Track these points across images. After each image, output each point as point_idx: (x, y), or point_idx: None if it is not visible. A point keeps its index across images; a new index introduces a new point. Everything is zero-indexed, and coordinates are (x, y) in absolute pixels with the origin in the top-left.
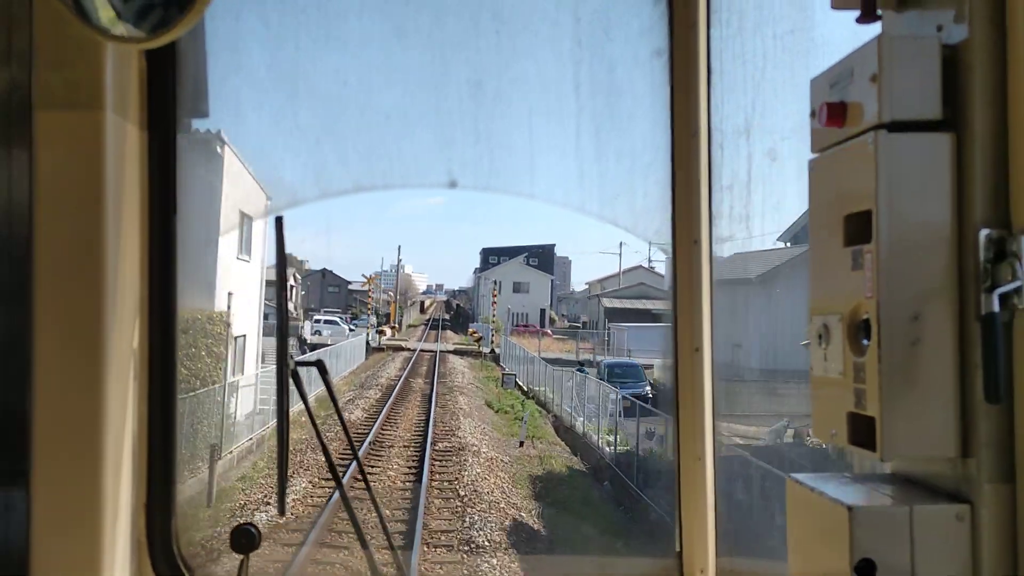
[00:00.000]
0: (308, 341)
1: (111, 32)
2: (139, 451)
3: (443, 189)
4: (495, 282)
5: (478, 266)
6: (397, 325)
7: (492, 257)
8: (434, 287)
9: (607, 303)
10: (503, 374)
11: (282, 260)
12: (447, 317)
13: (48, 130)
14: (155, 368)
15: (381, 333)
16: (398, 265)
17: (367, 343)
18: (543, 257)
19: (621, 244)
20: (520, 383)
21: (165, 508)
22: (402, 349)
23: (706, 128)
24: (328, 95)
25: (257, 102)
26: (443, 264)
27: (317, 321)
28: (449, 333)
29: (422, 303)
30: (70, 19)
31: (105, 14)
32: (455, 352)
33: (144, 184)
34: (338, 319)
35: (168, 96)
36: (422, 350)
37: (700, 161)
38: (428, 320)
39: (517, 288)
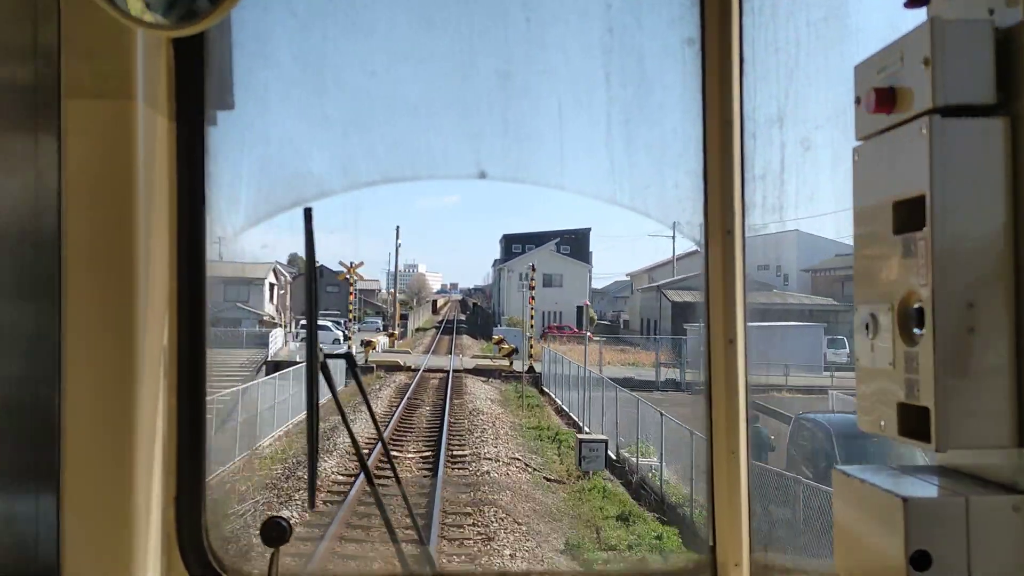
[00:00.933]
0: (269, 359)
1: (140, 19)
2: (168, 445)
3: (463, 184)
4: (530, 267)
5: (498, 257)
6: (396, 332)
7: (515, 245)
8: (448, 286)
9: (674, 296)
10: (582, 440)
11: (311, 252)
12: (463, 318)
13: (77, 120)
14: (184, 361)
15: (368, 346)
16: (396, 254)
17: (348, 364)
18: (577, 243)
19: (675, 225)
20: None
21: (194, 502)
22: (399, 368)
23: (739, 117)
24: (355, 86)
25: (284, 93)
26: (458, 263)
27: (302, 328)
28: (466, 339)
29: (434, 302)
30: (99, 6)
31: (133, 2)
32: (475, 372)
33: (173, 175)
34: (331, 324)
35: (196, 86)
36: (427, 370)
37: (733, 150)
38: (441, 322)
39: (548, 281)
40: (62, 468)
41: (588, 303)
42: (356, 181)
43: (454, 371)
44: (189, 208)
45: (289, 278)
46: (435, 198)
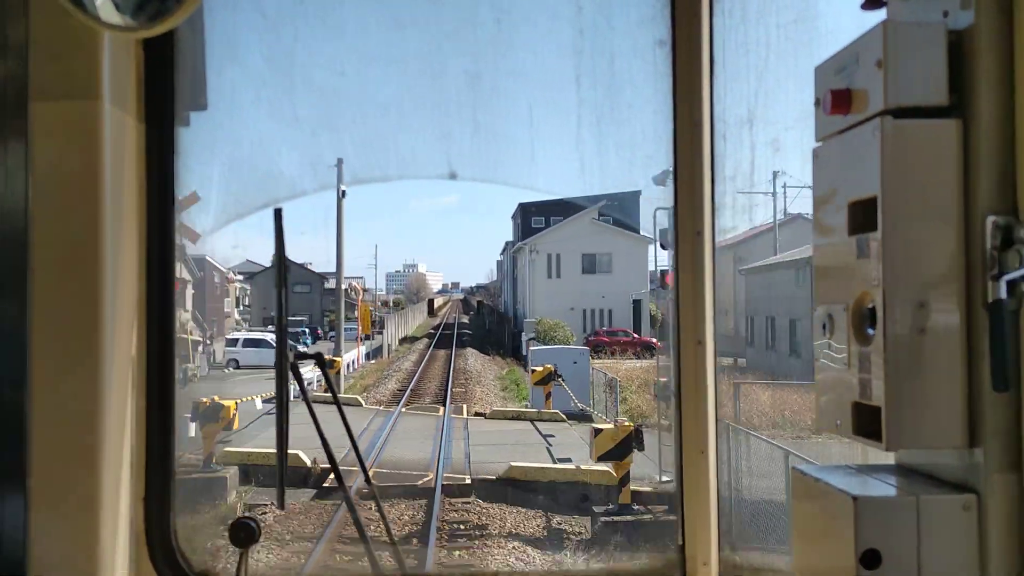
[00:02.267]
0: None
1: (108, 21)
2: (137, 444)
3: (460, 184)
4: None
5: (511, 240)
6: (340, 357)
7: (536, 218)
8: (449, 286)
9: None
10: None
11: (281, 253)
12: (466, 321)
13: (45, 121)
14: (153, 361)
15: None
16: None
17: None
18: (624, 209)
19: (775, 175)
20: None
21: (163, 501)
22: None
23: (708, 118)
24: (325, 86)
25: (255, 94)
26: (459, 263)
27: (232, 343)
28: (472, 358)
29: (430, 302)
30: (67, 8)
31: (102, 3)
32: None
33: (142, 176)
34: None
35: (166, 87)
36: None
37: (703, 152)
38: (438, 327)
39: (590, 266)
40: (29, 468)
41: (649, 295)
42: (326, 182)
43: (448, 486)
44: (158, 209)
45: (230, 274)
46: (434, 199)
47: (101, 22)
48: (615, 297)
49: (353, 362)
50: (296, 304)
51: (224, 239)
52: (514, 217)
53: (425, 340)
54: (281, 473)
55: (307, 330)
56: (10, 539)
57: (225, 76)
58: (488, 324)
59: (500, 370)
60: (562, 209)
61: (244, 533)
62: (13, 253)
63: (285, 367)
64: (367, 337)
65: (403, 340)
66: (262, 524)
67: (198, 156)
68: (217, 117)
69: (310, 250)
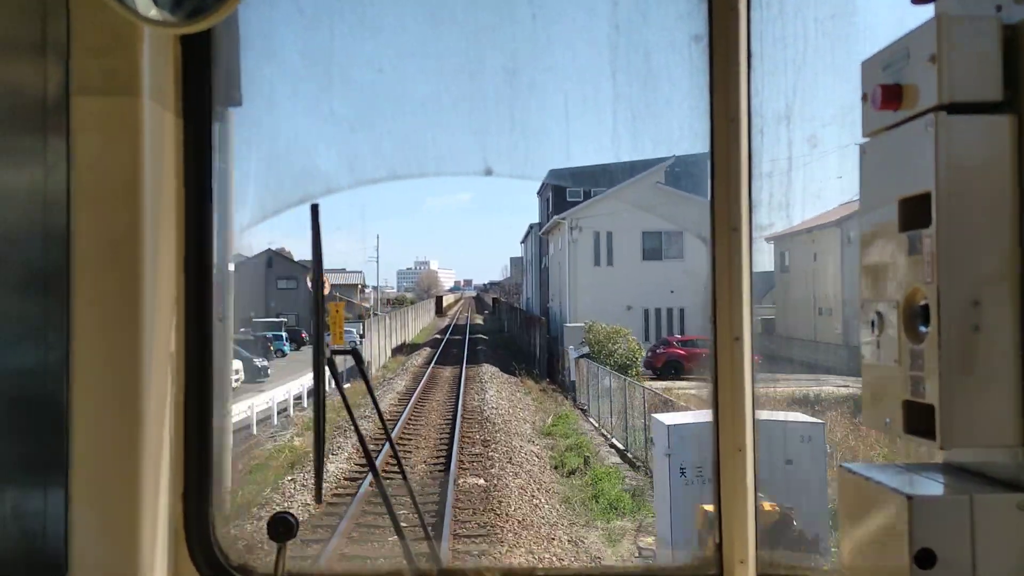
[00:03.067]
0: None
1: (148, 17)
2: (175, 440)
3: (474, 182)
4: None
5: (535, 223)
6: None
7: (573, 191)
8: (462, 283)
9: None
10: None
11: (318, 248)
12: (480, 321)
13: (85, 116)
14: (191, 356)
15: None
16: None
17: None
18: (694, 177)
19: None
20: None
21: (202, 497)
22: None
23: (746, 114)
24: (362, 83)
25: (291, 90)
26: (471, 261)
27: None
28: (491, 384)
29: (438, 299)
30: (107, 4)
31: (141, 0)
32: None
33: (180, 171)
34: (241, 347)
35: (204, 83)
36: None
37: (740, 147)
38: (446, 330)
39: (653, 249)
40: (70, 463)
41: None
42: (363, 178)
43: None
44: (196, 204)
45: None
46: (448, 196)
47: (141, 17)
48: (688, 291)
49: (300, 397)
50: (281, 302)
51: (260, 235)
52: (541, 192)
53: (427, 351)
54: (319, 467)
55: (285, 334)
56: (52, 533)
57: (262, 72)
58: (507, 326)
59: (537, 406)
60: (608, 177)
61: (282, 528)
62: (54, 247)
63: (322, 362)
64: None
65: (398, 349)
66: (300, 519)
67: (235, 152)
68: (254, 113)
69: (345, 247)
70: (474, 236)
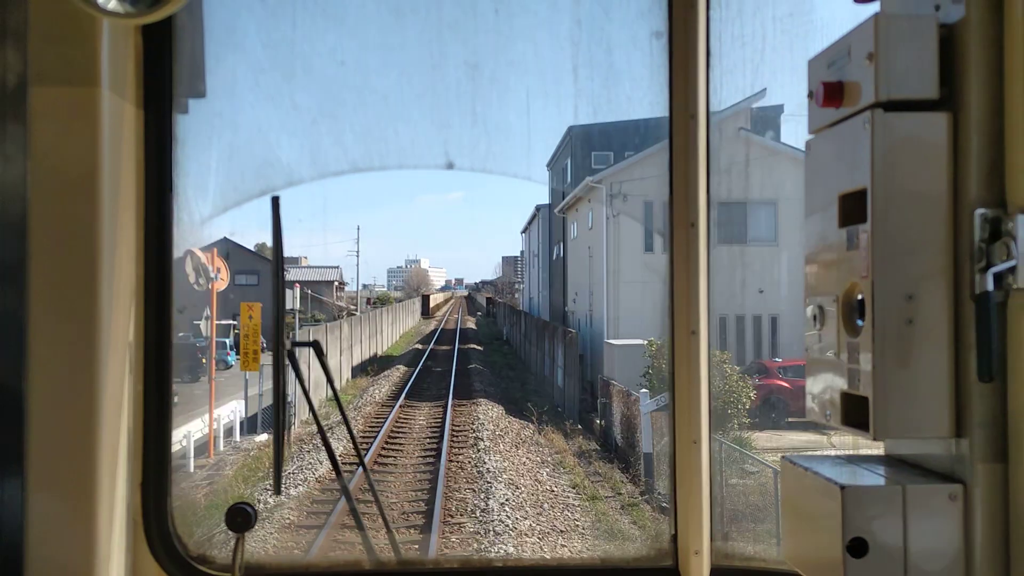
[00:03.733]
0: None
1: (107, 8)
2: (134, 430)
3: (467, 180)
4: None
5: (542, 204)
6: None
7: (600, 155)
8: (453, 282)
9: None
10: None
11: (278, 242)
12: (472, 326)
13: (43, 106)
14: (150, 347)
15: None
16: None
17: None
18: (771, 118)
19: None
20: None
21: (160, 487)
22: None
23: (704, 111)
24: (325, 75)
25: (253, 81)
26: (463, 260)
27: None
28: (495, 446)
29: (424, 299)
30: None
31: None
32: None
33: (140, 163)
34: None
35: (165, 74)
36: None
37: (698, 144)
38: (431, 337)
39: (729, 228)
40: (26, 453)
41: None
42: (324, 170)
43: None
44: (156, 195)
45: None
46: (439, 195)
47: (100, 8)
48: (787, 290)
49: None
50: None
51: (221, 227)
52: (553, 163)
53: (400, 370)
54: (277, 459)
55: (229, 341)
56: (8, 524)
57: (224, 63)
58: (507, 333)
59: (587, 508)
60: (644, 133)
61: (240, 518)
62: (11, 238)
63: (282, 355)
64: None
65: (364, 367)
66: (258, 509)
67: (196, 143)
68: (216, 104)
69: (307, 241)
70: (466, 235)
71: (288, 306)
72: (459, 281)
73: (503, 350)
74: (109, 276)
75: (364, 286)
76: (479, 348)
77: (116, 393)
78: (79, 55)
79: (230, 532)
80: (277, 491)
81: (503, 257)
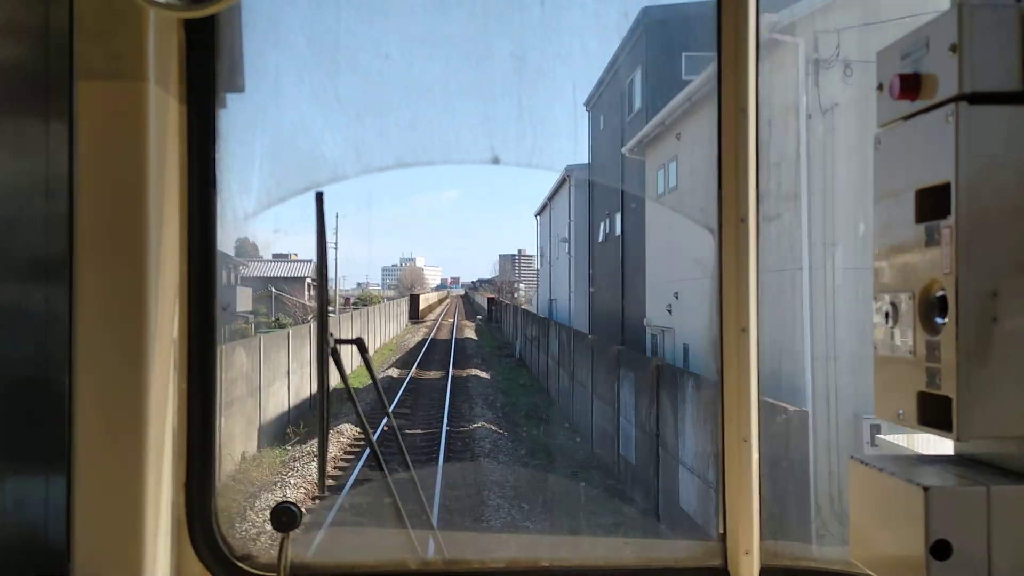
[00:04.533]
0: None
1: (152, 0)
2: (179, 429)
3: (463, 178)
4: None
5: (573, 165)
6: None
7: (690, 56)
8: (449, 281)
9: None
10: None
11: (322, 236)
12: (472, 334)
13: (88, 101)
14: (195, 345)
15: None
16: None
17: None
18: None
19: None
20: None
21: (204, 487)
22: None
23: (754, 105)
24: (369, 68)
25: (296, 76)
26: (459, 259)
27: None
28: None
29: (413, 299)
30: None
31: None
32: None
33: (184, 158)
34: None
35: (208, 68)
36: None
37: (748, 138)
38: (417, 352)
39: None
40: (72, 452)
41: None
42: (369, 165)
43: None
44: (199, 191)
45: None
46: (434, 194)
47: (146, 1)
48: None
49: None
50: None
51: (265, 223)
52: (598, 95)
53: (346, 437)
54: (322, 457)
55: None
56: (53, 523)
57: (267, 58)
58: (520, 347)
59: None
60: None
61: (286, 517)
62: (57, 234)
63: (326, 352)
64: None
65: (285, 425)
66: (303, 508)
67: (240, 138)
68: (259, 99)
69: (304, 240)
70: (463, 233)
71: (244, 307)
72: (455, 280)
73: (520, 380)
74: (154, 273)
75: (358, 284)
76: (483, 375)
77: (161, 391)
78: (124, 49)
79: (275, 532)
80: (321, 490)
81: (500, 255)
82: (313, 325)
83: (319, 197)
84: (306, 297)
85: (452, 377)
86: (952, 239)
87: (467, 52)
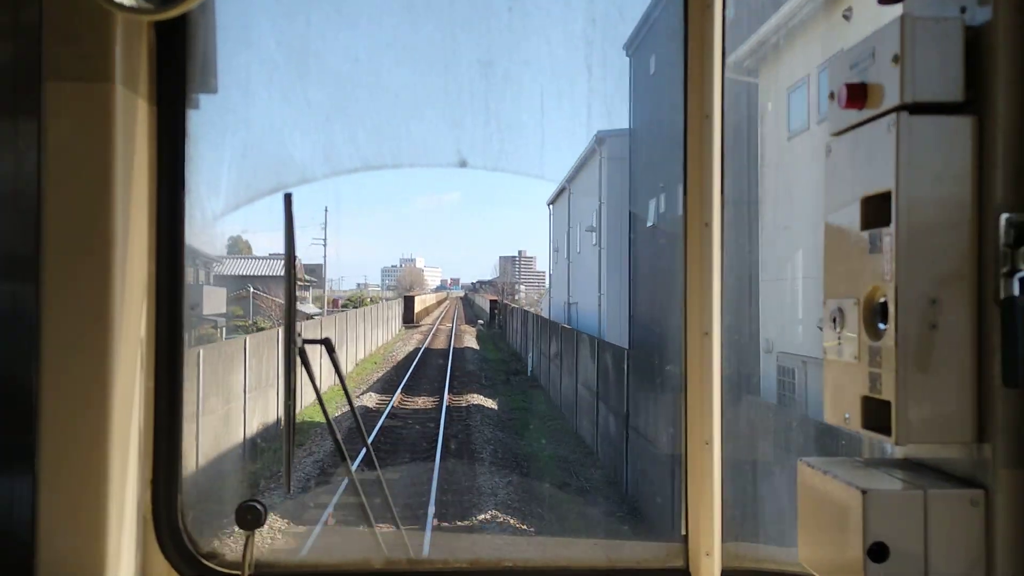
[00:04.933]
0: None
1: (121, 3)
2: (145, 428)
3: (463, 181)
4: None
5: (603, 131)
6: None
7: None
8: (448, 282)
9: None
10: None
11: (290, 238)
12: (474, 343)
13: (57, 101)
14: (162, 344)
15: None
16: None
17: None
18: None
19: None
20: None
21: (170, 484)
22: None
23: (719, 111)
24: (338, 72)
25: (267, 78)
26: (459, 260)
27: None
28: None
29: (407, 301)
30: None
31: None
32: None
33: (153, 159)
34: None
35: (178, 70)
36: None
37: (712, 144)
38: (407, 367)
39: None
40: (38, 450)
41: None
42: (338, 168)
43: None
44: (169, 192)
45: None
46: (435, 196)
47: (114, 3)
48: None
49: None
50: None
51: (234, 224)
52: (632, 43)
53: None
54: (288, 457)
55: None
56: (19, 521)
57: (238, 60)
58: (534, 363)
59: None
60: None
61: (251, 516)
62: (24, 234)
63: (293, 352)
64: None
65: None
66: (268, 507)
67: (209, 139)
68: (229, 101)
69: (331, 238)
70: (462, 235)
71: (215, 309)
72: (455, 281)
73: (537, 409)
74: (121, 273)
75: (357, 285)
76: (488, 404)
77: (127, 390)
78: (93, 51)
79: (239, 530)
80: (288, 490)
81: (500, 257)
82: (320, 320)
83: (287, 198)
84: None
85: (447, 409)
86: (893, 247)
87: (435, 58)
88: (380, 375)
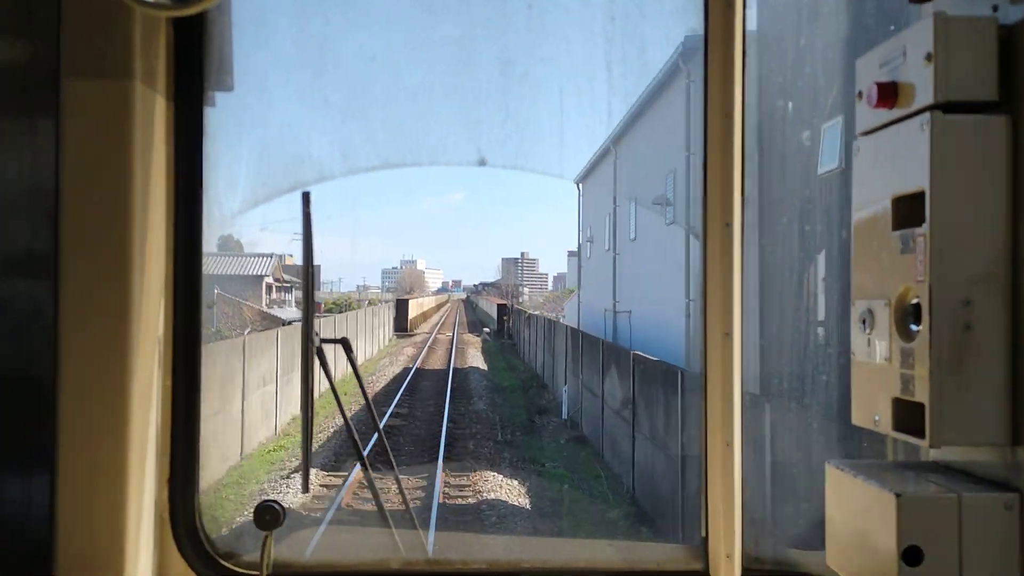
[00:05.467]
0: None
1: None
2: (162, 426)
3: (466, 181)
4: None
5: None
6: None
7: None
8: (450, 284)
9: None
10: None
11: (308, 237)
12: (480, 361)
13: (75, 99)
14: (179, 342)
15: None
16: None
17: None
18: None
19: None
20: None
21: (188, 484)
22: None
23: (740, 110)
24: (355, 71)
25: (283, 77)
26: (461, 262)
27: None
28: None
29: (401, 305)
30: None
31: None
32: None
33: (171, 157)
34: None
35: (195, 67)
36: None
37: (733, 143)
38: (393, 405)
39: None
40: (56, 448)
41: None
42: (355, 166)
43: None
44: (186, 190)
45: None
46: (439, 196)
47: (132, 0)
48: None
49: None
50: None
51: (252, 221)
52: None
53: None
54: (306, 455)
55: None
56: (37, 520)
57: (255, 59)
58: (582, 413)
59: None
60: None
61: (269, 516)
62: (42, 232)
63: (311, 351)
64: None
65: None
66: (286, 507)
67: (227, 137)
68: (246, 100)
69: (331, 238)
70: (464, 236)
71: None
72: (456, 283)
73: (611, 507)
74: (140, 271)
75: (357, 287)
76: (514, 490)
77: (145, 388)
78: (111, 48)
79: (258, 530)
80: (305, 488)
81: (503, 258)
82: (277, 332)
83: (305, 197)
84: (264, 301)
85: (439, 509)
86: (926, 247)
87: (453, 56)
88: (332, 431)
